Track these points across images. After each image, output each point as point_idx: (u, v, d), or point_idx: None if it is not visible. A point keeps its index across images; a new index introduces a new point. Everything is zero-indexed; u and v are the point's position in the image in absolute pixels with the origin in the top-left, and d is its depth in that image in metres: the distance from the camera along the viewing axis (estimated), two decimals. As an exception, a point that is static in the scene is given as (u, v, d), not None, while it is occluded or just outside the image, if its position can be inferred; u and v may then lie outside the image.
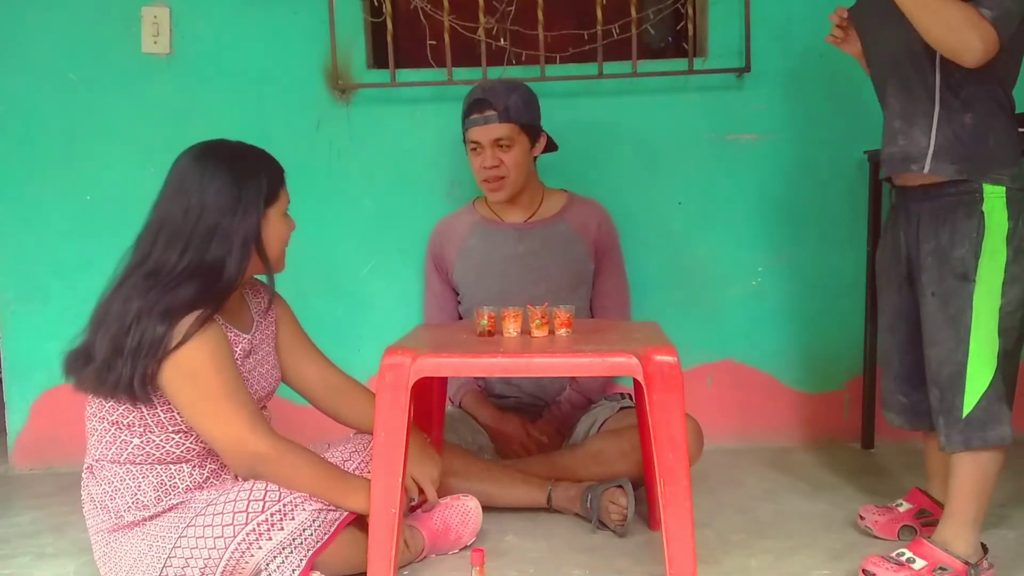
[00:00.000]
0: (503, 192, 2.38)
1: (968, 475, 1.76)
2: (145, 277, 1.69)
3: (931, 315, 1.79)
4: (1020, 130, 1.84)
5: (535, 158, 2.44)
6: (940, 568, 1.73)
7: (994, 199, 1.73)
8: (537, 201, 2.48)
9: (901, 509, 2.01)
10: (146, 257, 1.72)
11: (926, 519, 1.97)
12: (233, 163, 1.76)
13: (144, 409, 1.69)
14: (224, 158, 1.76)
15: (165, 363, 1.64)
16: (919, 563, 1.74)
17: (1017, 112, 2.16)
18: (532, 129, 2.38)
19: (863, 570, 1.76)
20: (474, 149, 2.37)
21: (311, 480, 1.74)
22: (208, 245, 1.70)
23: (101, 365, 1.65)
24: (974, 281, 1.73)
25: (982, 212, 1.73)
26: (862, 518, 2.03)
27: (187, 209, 1.71)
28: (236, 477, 1.79)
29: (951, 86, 1.74)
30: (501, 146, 2.33)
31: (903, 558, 1.75)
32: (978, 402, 1.73)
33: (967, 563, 1.73)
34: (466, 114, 2.36)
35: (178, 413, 1.71)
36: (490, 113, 2.31)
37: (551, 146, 2.47)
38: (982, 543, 1.79)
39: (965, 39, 1.62)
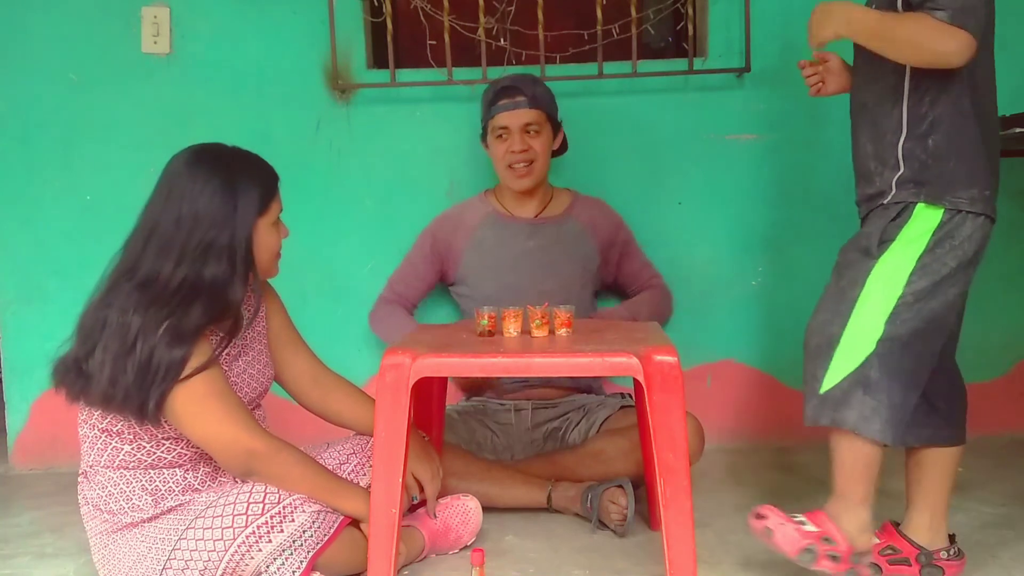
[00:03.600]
0: (530, 178, 2.40)
1: (840, 454, 1.70)
2: (139, 288, 1.65)
3: (827, 283, 1.76)
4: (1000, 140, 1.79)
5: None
6: (825, 540, 1.67)
7: None
8: (547, 198, 2.51)
9: None
10: (136, 264, 1.68)
11: (893, 557, 1.79)
12: (226, 172, 1.72)
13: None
14: (217, 165, 1.72)
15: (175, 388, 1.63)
16: (810, 527, 1.70)
17: (1014, 114, 2.16)
18: (554, 121, 2.42)
19: (757, 514, 1.72)
20: (500, 136, 2.38)
21: (303, 479, 1.74)
22: (205, 260, 1.67)
23: (106, 384, 1.62)
24: (876, 259, 1.68)
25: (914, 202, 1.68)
26: None
27: (179, 218, 1.67)
28: (234, 479, 1.79)
29: (920, 113, 1.68)
30: (530, 131, 2.36)
31: (796, 519, 1.71)
32: (839, 381, 1.66)
33: (852, 546, 1.67)
34: (493, 101, 2.37)
35: (167, 422, 1.70)
36: (520, 99, 2.34)
37: (563, 147, 2.48)
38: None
39: (936, 49, 1.59)
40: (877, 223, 1.71)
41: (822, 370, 1.69)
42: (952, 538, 1.80)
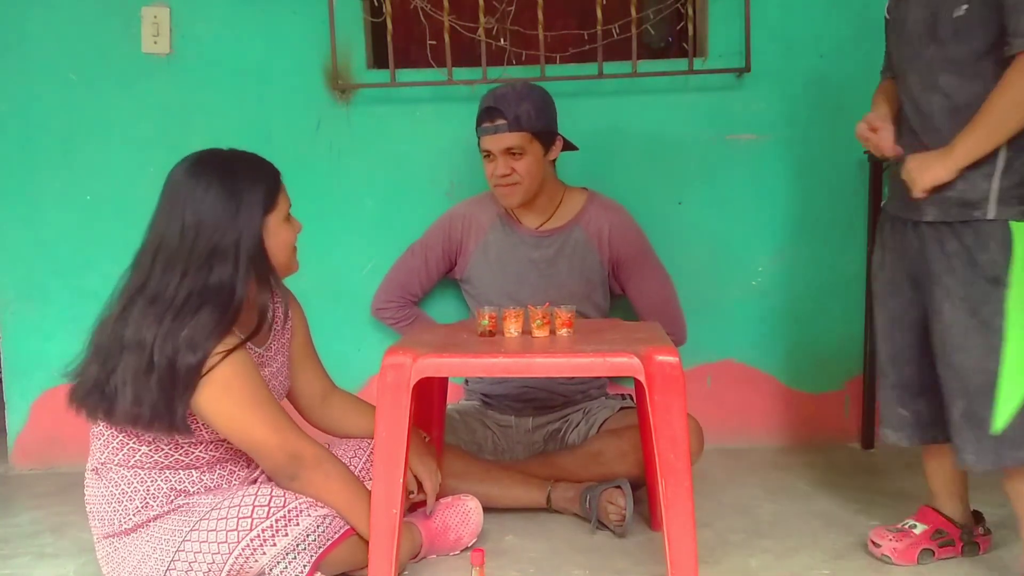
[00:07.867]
0: (515, 198, 2.37)
1: None
2: (150, 303, 1.65)
3: (956, 321, 1.68)
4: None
5: (553, 161, 2.42)
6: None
7: None
8: (555, 203, 2.47)
9: (916, 531, 1.88)
10: (146, 280, 1.68)
11: (943, 540, 1.87)
12: (226, 175, 1.71)
13: None
14: (216, 170, 1.71)
15: (200, 387, 1.63)
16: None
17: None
18: (545, 135, 2.35)
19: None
20: (487, 156, 2.36)
21: (342, 492, 1.75)
22: (210, 267, 1.66)
23: (131, 404, 1.61)
24: (1006, 285, 1.63)
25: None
26: (876, 544, 1.89)
27: (183, 229, 1.67)
28: (243, 481, 1.79)
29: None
30: (513, 154, 2.31)
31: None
32: (1012, 418, 1.62)
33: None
34: (478, 122, 2.35)
35: (205, 429, 1.70)
36: (500, 122, 2.29)
37: (569, 146, 2.46)
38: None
39: None
40: (986, 245, 1.65)
41: (989, 409, 1.63)
42: (979, 515, 1.92)
